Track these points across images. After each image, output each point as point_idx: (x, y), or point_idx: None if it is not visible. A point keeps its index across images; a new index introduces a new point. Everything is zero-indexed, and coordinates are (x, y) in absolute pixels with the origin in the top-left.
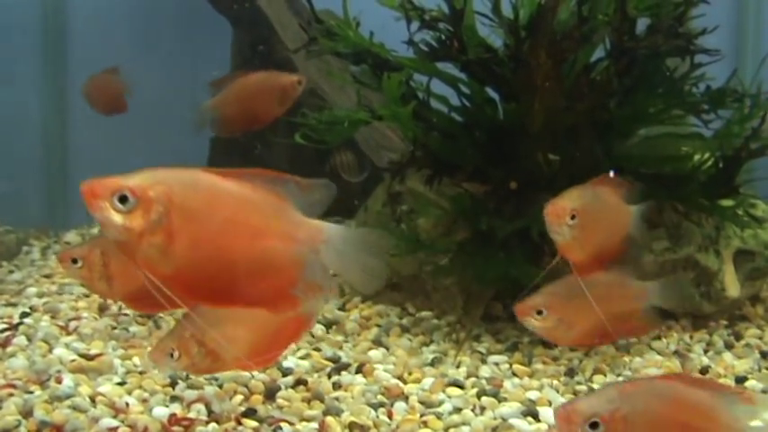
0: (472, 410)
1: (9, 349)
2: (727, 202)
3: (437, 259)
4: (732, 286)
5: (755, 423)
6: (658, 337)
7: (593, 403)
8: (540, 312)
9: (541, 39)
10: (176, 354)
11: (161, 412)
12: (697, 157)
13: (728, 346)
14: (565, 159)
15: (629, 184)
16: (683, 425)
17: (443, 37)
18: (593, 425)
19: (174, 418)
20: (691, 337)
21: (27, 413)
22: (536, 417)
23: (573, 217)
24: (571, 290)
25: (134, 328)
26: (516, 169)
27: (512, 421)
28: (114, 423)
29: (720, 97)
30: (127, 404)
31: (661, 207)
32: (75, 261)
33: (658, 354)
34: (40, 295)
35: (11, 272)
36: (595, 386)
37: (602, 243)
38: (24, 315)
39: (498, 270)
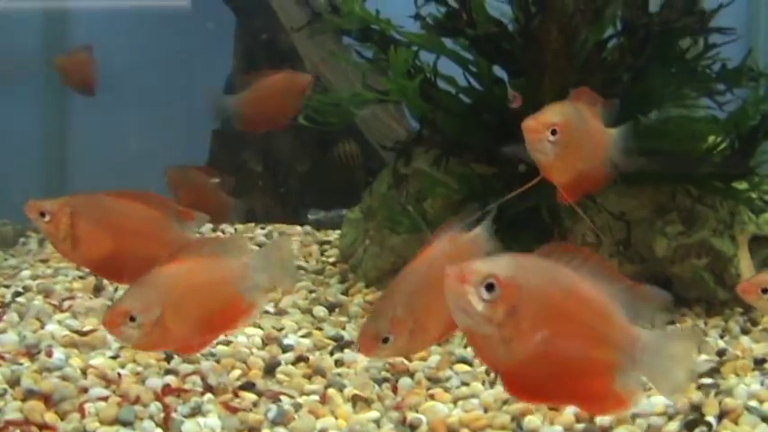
0: (482, 384)
1: None
2: (741, 186)
3: None
4: (748, 272)
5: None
6: (672, 323)
7: (491, 265)
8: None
9: (552, 14)
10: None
11: (154, 383)
12: (711, 138)
13: (745, 332)
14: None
15: (606, 100)
16: (575, 319)
17: (452, 10)
18: (489, 286)
19: (167, 389)
20: (705, 324)
21: (14, 383)
22: None
23: (554, 132)
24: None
25: None
26: (525, 150)
27: None
28: (105, 392)
29: (737, 76)
30: (119, 374)
31: (674, 190)
32: (42, 214)
33: None
34: (35, 277)
35: (6, 259)
36: None
37: (584, 165)
38: (17, 294)
39: (506, 249)
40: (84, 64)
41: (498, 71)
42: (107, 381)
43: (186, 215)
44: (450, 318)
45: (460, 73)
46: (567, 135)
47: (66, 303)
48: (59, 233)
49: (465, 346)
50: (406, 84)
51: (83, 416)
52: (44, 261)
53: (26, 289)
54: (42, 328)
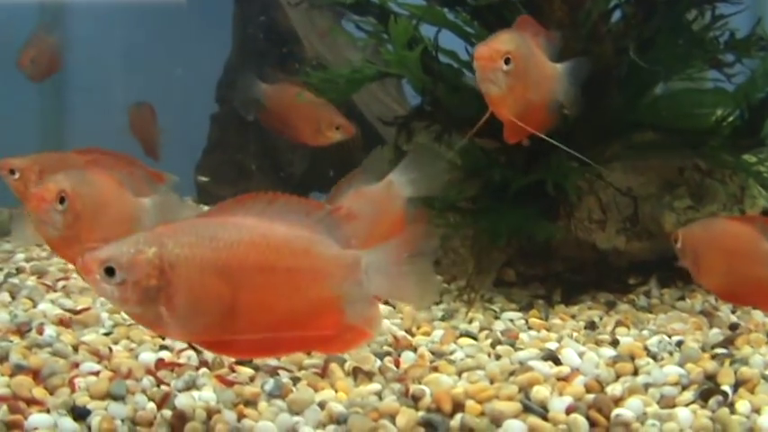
0: (488, 356)
1: None
2: (751, 159)
3: (447, 218)
4: None
5: None
6: (682, 298)
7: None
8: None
9: None
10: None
11: (148, 357)
12: (720, 111)
13: (756, 307)
14: (580, 113)
15: (548, 32)
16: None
17: None
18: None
19: (161, 363)
20: (716, 299)
21: (2, 359)
22: (557, 361)
23: (507, 61)
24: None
25: None
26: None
27: (531, 363)
28: (96, 367)
29: (746, 46)
30: (110, 349)
31: (682, 165)
32: (12, 172)
33: (683, 312)
34: (29, 260)
35: (1, 245)
36: (618, 337)
37: (532, 99)
38: (10, 275)
39: (511, 224)
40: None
41: None
42: (99, 356)
43: (157, 177)
44: None
45: (462, 49)
46: (519, 65)
47: (60, 284)
48: (27, 190)
49: (469, 321)
50: (406, 55)
51: (72, 390)
52: (39, 245)
53: (19, 270)
54: (34, 307)
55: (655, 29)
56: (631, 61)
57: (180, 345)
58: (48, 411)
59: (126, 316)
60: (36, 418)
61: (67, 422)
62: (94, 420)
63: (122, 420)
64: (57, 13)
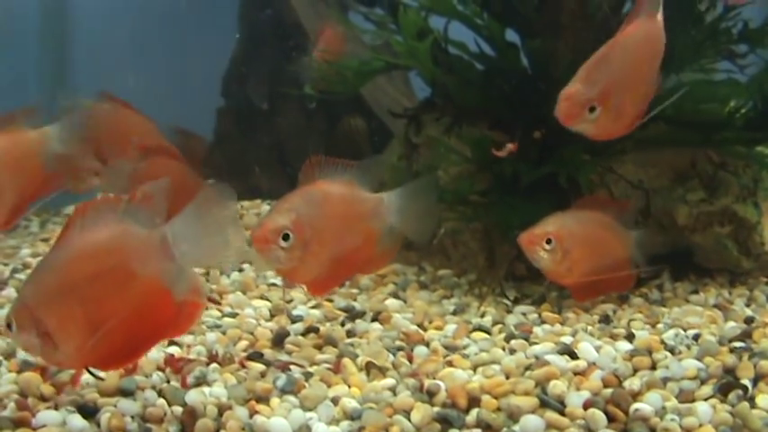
0: (502, 350)
1: None
2: (764, 150)
3: (458, 213)
4: None
5: None
6: (695, 292)
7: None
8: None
9: None
10: None
11: (157, 355)
12: (733, 102)
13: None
14: None
15: (620, 203)
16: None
17: None
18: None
19: (171, 359)
20: (730, 293)
21: (10, 354)
22: (573, 355)
23: (549, 242)
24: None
25: None
26: (540, 116)
27: (547, 357)
28: None
29: (760, 36)
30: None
31: (695, 157)
32: None
33: (697, 306)
34: (35, 255)
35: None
36: (634, 331)
37: (594, 267)
38: (15, 271)
39: (523, 217)
40: None
41: (511, 35)
42: None
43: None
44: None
45: (471, 41)
46: (564, 243)
47: None
48: None
49: (482, 316)
50: (416, 45)
51: (81, 387)
52: (45, 240)
53: (25, 266)
54: None
55: (667, 19)
56: None
57: (188, 340)
58: (56, 408)
59: None
60: (44, 415)
61: (76, 419)
62: (104, 417)
63: (132, 417)
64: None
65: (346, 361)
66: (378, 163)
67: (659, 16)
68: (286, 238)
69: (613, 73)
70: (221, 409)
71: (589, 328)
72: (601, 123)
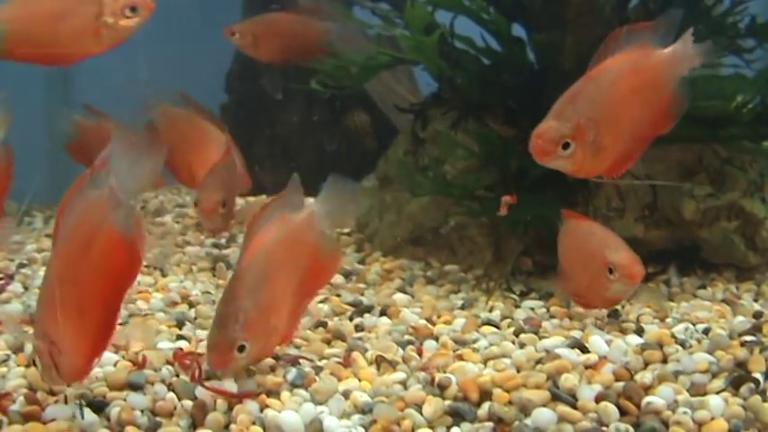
0: (512, 344)
1: (3, 296)
2: None
3: (465, 207)
4: None
5: None
6: (702, 287)
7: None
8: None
9: None
10: None
11: (165, 346)
12: (740, 97)
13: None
14: None
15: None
16: None
17: None
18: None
19: (179, 353)
20: (737, 288)
21: (17, 349)
22: (584, 349)
23: (566, 146)
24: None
25: (139, 278)
26: (547, 110)
27: (558, 351)
28: (114, 357)
29: (766, 31)
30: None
31: (701, 152)
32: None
33: (705, 300)
34: (39, 250)
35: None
36: (643, 325)
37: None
38: (21, 266)
39: (530, 211)
40: None
41: (517, 30)
42: (115, 347)
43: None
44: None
45: (477, 36)
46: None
47: None
48: None
49: (490, 310)
50: (423, 40)
51: (90, 381)
52: (49, 236)
53: (31, 261)
54: None
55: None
56: None
57: (198, 335)
58: (65, 402)
59: (141, 306)
60: (53, 409)
61: (85, 413)
62: (113, 411)
63: (142, 411)
64: None
65: (356, 355)
66: (294, 181)
67: (669, 47)
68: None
69: (589, 108)
70: (231, 403)
71: (598, 322)
72: (579, 160)
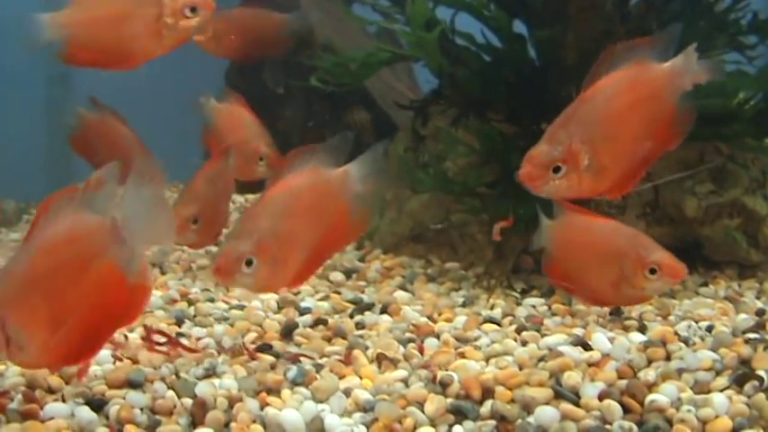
0: (514, 342)
1: None
2: None
3: (466, 204)
4: None
5: None
6: (704, 284)
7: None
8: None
9: None
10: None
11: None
12: (742, 94)
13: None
14: None
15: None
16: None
17: None
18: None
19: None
20: (739, 286)
21: None
22: (586, 347)
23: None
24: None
25: None
26: (548, 107)
27: (561, 348)
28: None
29: None
30: (126, 337)
31: (703, 149)
32: None
33: (707, 298)
34: None
35: (8, 234)
36: (646, 323)
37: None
38: None
39: (531, 209)
40: None
41: (518, 26)
42: (114, 344)
43: None
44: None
45: (478, 32)
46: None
47: None
48: None
49: (491, 308)
50: (424, 36)
51: (89, 379)
52: None
53: None
54: None
55: (675, 9)
56: None
57: (198, 334)
58: (63, 400)
59: None
60: (52, 407)
61: (84, 411)
62: (113, 409)
63: (141, 409)
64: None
65: (357, 352)
66: (342, 139)
67: (668, 62)
68: (249, 263)
69: (582, 130)
70: (232, 401)
71: (600, 319)
72: (575, 183)
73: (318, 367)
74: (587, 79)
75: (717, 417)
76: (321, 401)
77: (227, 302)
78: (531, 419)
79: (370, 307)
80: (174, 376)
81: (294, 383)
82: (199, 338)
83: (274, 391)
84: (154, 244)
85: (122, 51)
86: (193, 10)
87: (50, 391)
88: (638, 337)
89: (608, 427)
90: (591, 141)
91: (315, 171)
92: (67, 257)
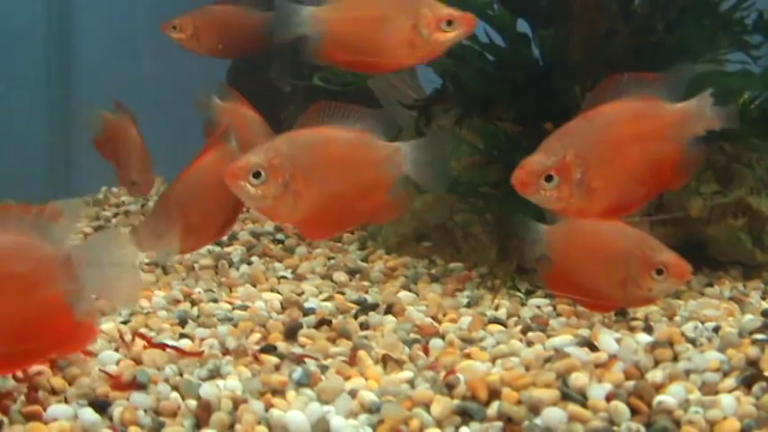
0: (520, 342)
1: None
2: None
3: (470, 204)
4: None
5: None
6: (710, 285)
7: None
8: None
9: None
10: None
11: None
12: (747, 94)
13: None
14: None
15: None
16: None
17: None
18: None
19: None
20: (744, 286)
21: None
22: (593, 347)
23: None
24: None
25: (140, 276)
26: (552, 107)
27: (568, 349)
28: (116, 356)
29: None
30: (133, 338)
31: (708, 149)
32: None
33: (712, 299)
34: None
35: None
36: (652, 324)
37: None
38: None
39: (536, 210)
40: None
41: (522, 26)
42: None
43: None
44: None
45: (482, 32)
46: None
47: None
48: None
49: (496, 308)
50: None
51: (92, 380)
52: None
53: None
54: None
55: (680, 8)
56: (656, 43)
57: (201, 335)
58: (66, 401)
59: (144, 305)
60: (55, 408)
61: (88, 413)
62: (116, 411)
63: (145, 411)
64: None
65: (362, 353)
66: (392, 114)
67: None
68: (257, 175)
69: (578, 144)
70: (236, 403)
71: (606, 320)
72: (565, 197)
73: (323, 368)
74: (587, 102)
75: (725, 418)
76: (326, 403)
77: (230, 303)
78: (538, 421)
79: (374, 307)
80: (177, 377)
81: (299, 385)
82: (202, 339)
83: (279, 392)
84: (111, 301)
85: (373, 55)
86: (450, 23)
87: (53, 392)
88: (644, 338)
89: (616, 428)
90: (585, 158)
91: (366, 136)
92: (11, 274)
